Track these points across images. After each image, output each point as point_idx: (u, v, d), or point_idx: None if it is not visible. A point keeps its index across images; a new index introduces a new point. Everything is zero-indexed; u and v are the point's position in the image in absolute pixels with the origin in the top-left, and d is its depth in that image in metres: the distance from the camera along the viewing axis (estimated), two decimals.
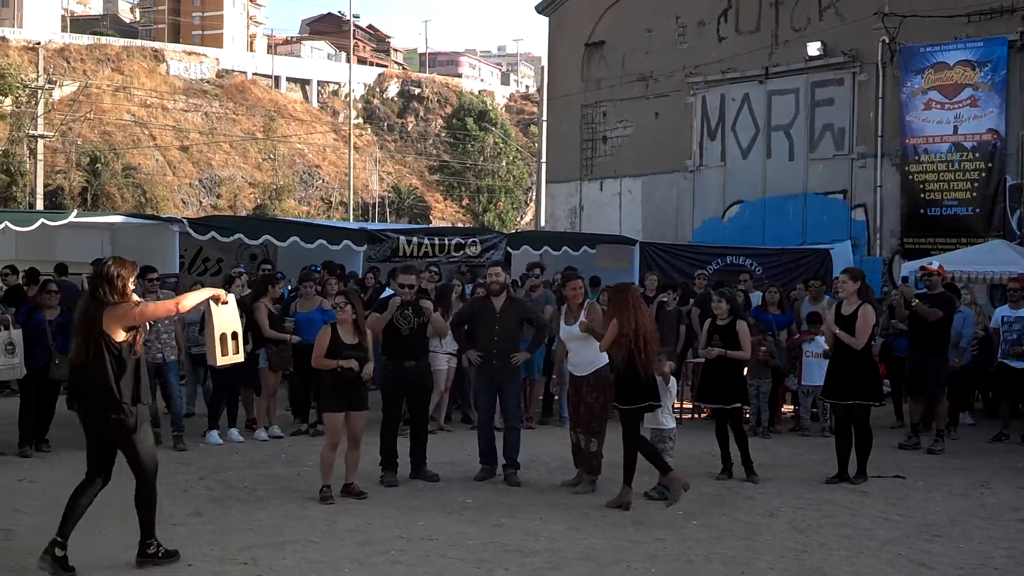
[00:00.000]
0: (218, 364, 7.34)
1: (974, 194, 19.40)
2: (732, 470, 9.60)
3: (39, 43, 43.08)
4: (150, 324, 10.56)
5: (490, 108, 60.93)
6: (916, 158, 20.11)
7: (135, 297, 6.55)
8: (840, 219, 21.37)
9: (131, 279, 6.48)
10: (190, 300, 6.80)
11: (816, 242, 20.55)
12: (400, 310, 9.14)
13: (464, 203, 57.91)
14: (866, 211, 21.18)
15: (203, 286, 13.04)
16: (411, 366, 9.20)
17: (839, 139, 21.53)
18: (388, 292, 9.96)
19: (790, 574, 6.51)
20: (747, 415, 10.96)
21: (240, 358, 7.36)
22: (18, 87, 43.55)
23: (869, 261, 20.42)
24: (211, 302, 6.92)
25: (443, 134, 62.67)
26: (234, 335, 7.12)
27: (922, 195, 20.05)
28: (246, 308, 11.30)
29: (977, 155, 19.38)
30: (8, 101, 44.10)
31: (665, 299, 13.23)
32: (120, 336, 6.36)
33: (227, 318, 7.09)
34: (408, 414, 9.59)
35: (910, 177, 20.20)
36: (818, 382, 12.30)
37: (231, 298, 7.15)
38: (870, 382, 9.50)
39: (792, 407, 13.37)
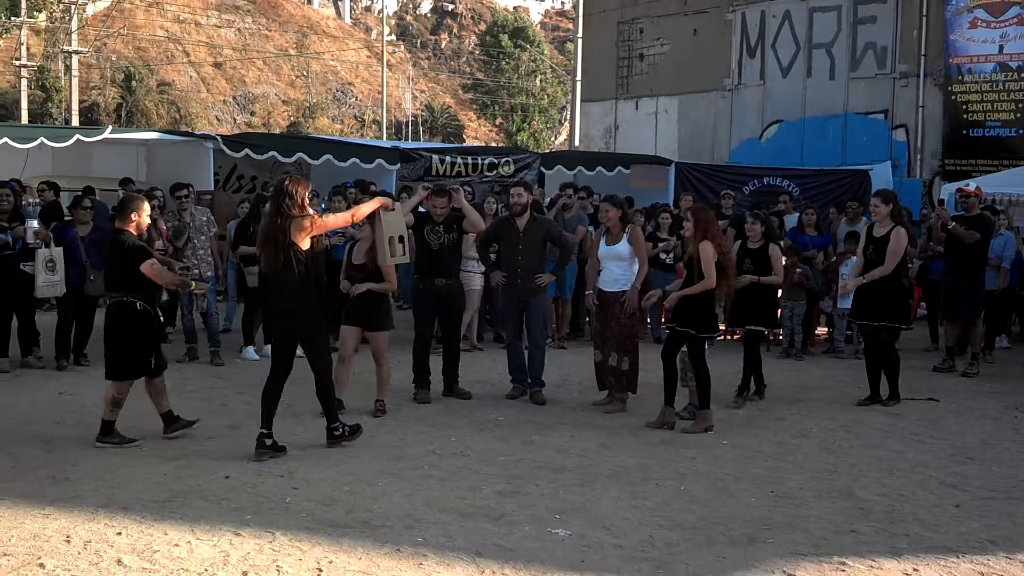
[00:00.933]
0: (387, 263, 8.11)
1: (1018, 115, 19.00)
2: (764, 391, 9.59)
3: None
4: (188, 240, 10.71)
5: (526, 24, 59.99)
6: (960, 78, 19.69)
7: (310, 210, 7.16)
8: (880, 140, 21.03)
9: (307, 195, 7.11)
10: (364, 210, 7.71)
11: (856, 163, 20.26)
12: (431, 226, 9.16)
13: (498, 122, 57.41)
14: (907, 132, 20.83)
15: (242, 203, 13.13)
16: (441, 284, 9.22)
17: (881, 58, 21.09)
18: (422, 211, 9.92)
19: (819, 494, 6.52)
20: (777, 337, 10.84)
21: (406, 259, 8.20)
22: (52, 2, 43.39)
23: (909, 183, 20.15)
24: (380, 209, 7.76)
25: (477, 51, 61.92)
26: (400, 238, 7.95)
27: (965, 116, 19.67)
28: None
29: (1022, 75, 18.92)
30: (43, 16, 43.95)
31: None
32: (305, 245, 7.00)
33: (394, 223, 7.91)
34: (440, 332, 9.65)
35: (953, 97, 19.81)
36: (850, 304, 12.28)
37: (398, 205, 8.07)
38: (898, 305, 9.39)
39: (827, 329, 13.31)
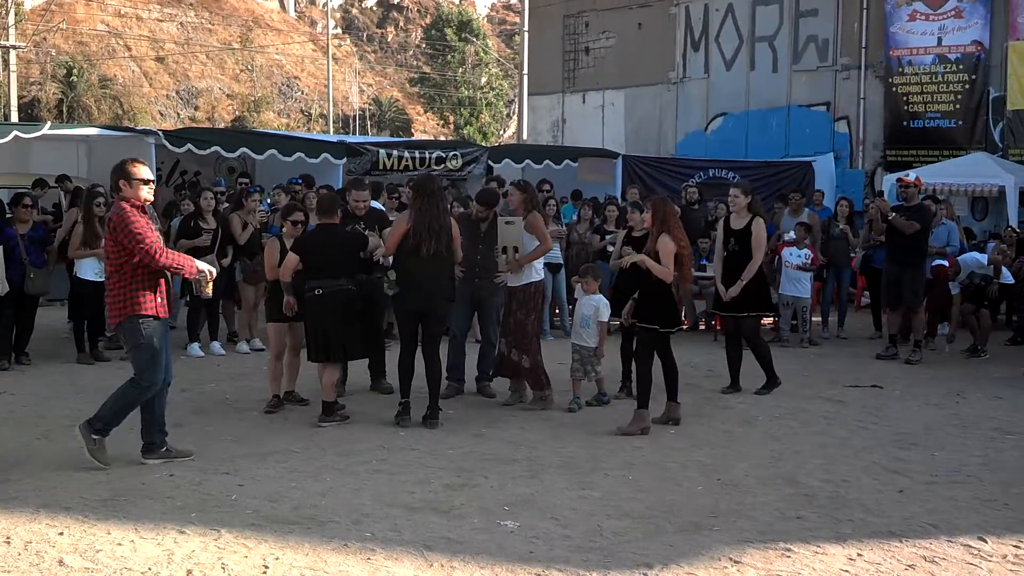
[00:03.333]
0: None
1: (957, 106, 19.34)
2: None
3: None
4: None
5: (472, 18, 59.87)
6: (900, 70, 19.99)
7: None
8: (823, 132, 21.31)
9: None
10: None
11: (799, 155, 20.53)
12: (352, 224, 8.98)
13: (445, 116, 57.28)
14: (849, 123, 21.12)
15: (182, 200, 12.97)
16: (363, 280, 8.96)
17: (823, 50, 21.35)
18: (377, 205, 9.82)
19: (765, 481, 6.59)
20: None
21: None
22: None
23: (851, 173, 20.46)
24: (501, 219, 8.90)
25: (423, 45, 61.71)
26: (515, 249, 8.70)
27: (905, 107, 19.98)
28: (224, 222, 11.23)
29: (961, 67, 19.28)
30: None
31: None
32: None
33: (511, 234, 8.72)
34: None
35: (894, 89, 20.11)
36: (795, 293, 12.43)
37: (518, 220, 8.82)
38: (759, 294, 9.43)
39: (772, 318, 13.44)
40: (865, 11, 20.54)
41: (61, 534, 5.36)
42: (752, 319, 9.46)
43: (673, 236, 7.99)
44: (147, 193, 6.76)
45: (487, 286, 9.20)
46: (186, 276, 6.90)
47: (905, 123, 20.03)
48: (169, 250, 6.85)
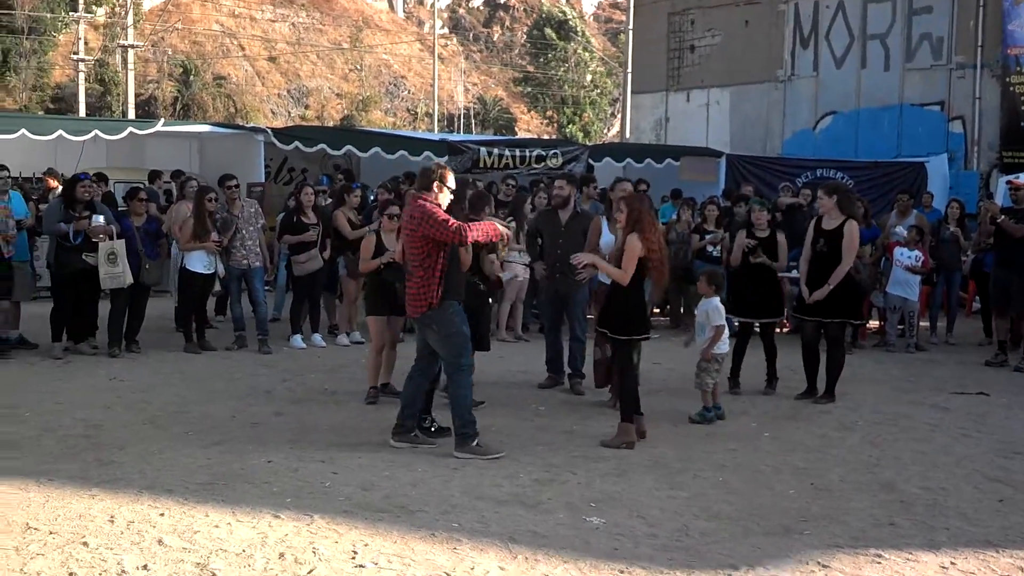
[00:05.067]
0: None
1: None
2: (776, 385, 9.48)
3: None
4: (236, 231, 10.88)
5: (570, 17, 59.77)
6: (1018, 69, 19.34)
7: None
8: (937, 131, 20.74)
9: None
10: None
11: (911, 155, 20.01)
12: None
13: (548, 115, 57.34)
14: (964, 123, 20.52)
15: (292, 196, 13.28)
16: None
17: (937, 48, 20.78)
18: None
19: (860, 487, 6.46)
20: (783, 329, 10.48)
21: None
22: None
23: (966, 175, 19.87)
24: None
25: (527, 44, 61.86)
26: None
27: (1023, 107, 19.28)
28: (326, 217, 11.47)
29: None
30: (101, 11, 44.69)
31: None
32: None
33: None
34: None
35: (1011, 88, 19.46)
36: (903, 294, 12.12)
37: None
38: (848, 300, 9.08)
39: (879, 322, 13.17)
40: (981, 8, 19.92)
41: (162, 515, 5.56)
42: (836, 325, 9.11)
43: (643, 237, 7.27)
44: (445, 201, 7.04)
45: (570, 280, 9.20)
46: (493, 239, 7.16)
47: (1022, 124, 19.35)
48: (471, 224, 7.00)
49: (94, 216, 10.25)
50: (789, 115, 23.13)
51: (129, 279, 10.42)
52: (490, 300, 8.87)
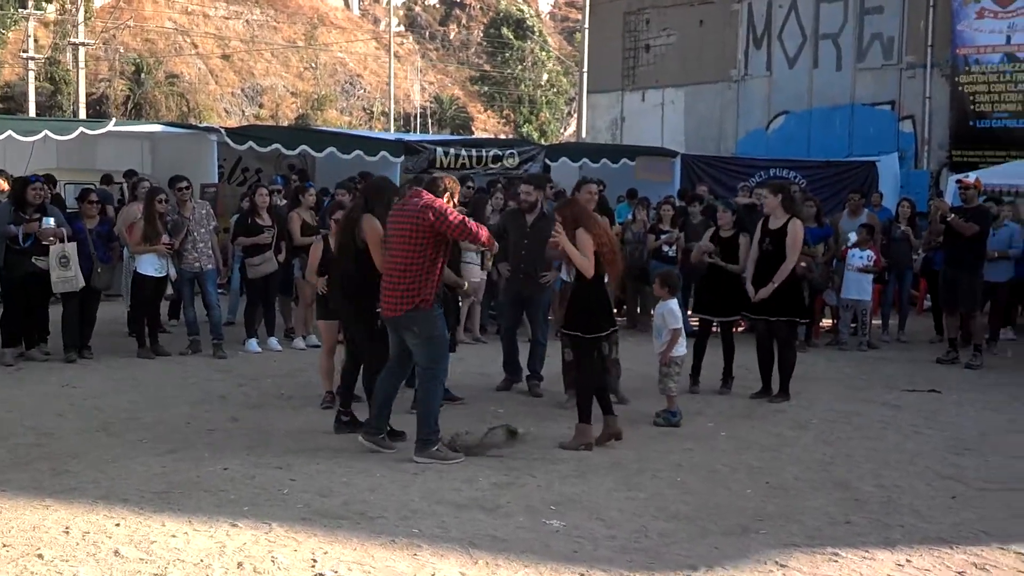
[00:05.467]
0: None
1: None
2: (732, 384, 9.59)
3: None
4: (188, 233, 10.77)
5: (527, 16, 59.87)
6: (967, 68, 19.65)
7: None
8: (887, 131, 21.01)
9: None
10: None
11: (863, 154, 20.25)
12: None
13: (505, 114, 57.38)
14: (914, 123, 20.81)
15: (246, 196, 13.17)
16: None
17: (888, 48, 21.06)
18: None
19: (815, 485, 6.54)
20: (739, 328, 10.61)
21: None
22: None
23: (916, 174, 20.14)
24: None
25: (484, 43, 61.85)
26: None
27: (972, 107, 19.64)
28: (281, 219, 11.38)
29: None
30: (51, 8, 44.05)
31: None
32: None
33: None
34: None
35: (960, 88, 19.77)
36: (857, 296, 12.28)
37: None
38: (794, 299, 9.18)
39: (831, 321, 13.32)
40: (932, 8, 20.22)
41: (118, 525, 5.49)
42: (784, 323, 9.18)
43: (591, 232, 7.30)
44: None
45: (533, 283, 9.26)
46: (486, 244, 7.23)
47: (972, 123, 19.68)
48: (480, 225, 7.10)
49: (44, 219, 10.11)
50: (743, 115, 23.33)
51: (81, 282, 10.29)
52: (458, 302, 8.84)
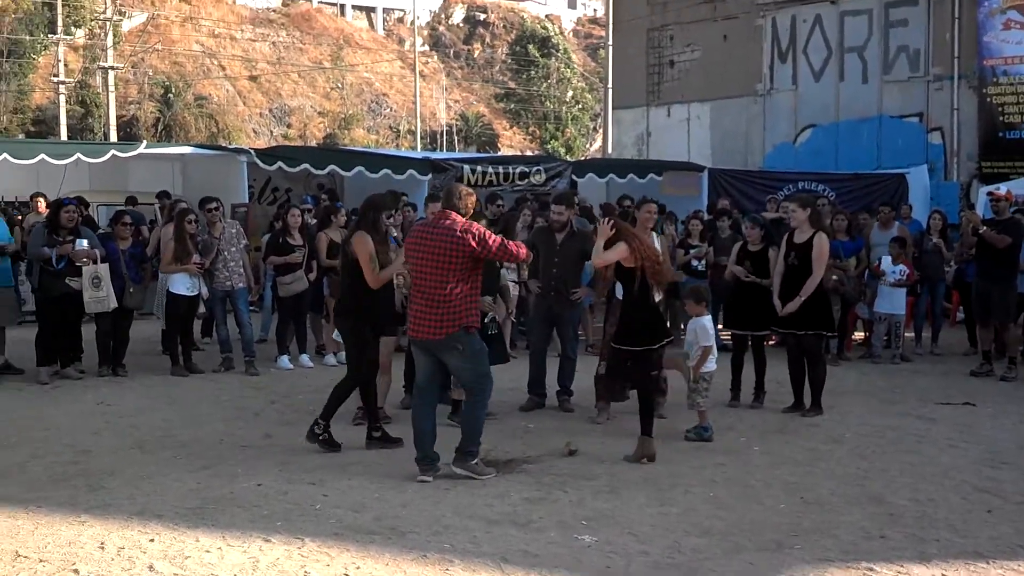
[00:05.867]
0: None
1: None
2: (764, 398, 9.54)
3: None
4: (218, 252, 10.87)
5: (552, 34, 60.02)
6: (994, 80, 19.52)
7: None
8: (916, 143, 20.88)
9: None
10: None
11: (892, 167, 20.13)
12: None
13: (531, 131, 57.52)
14: (943, 135, 20.68)
15: (278, 216, 13.27)
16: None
17: (914, 61, 20.96)
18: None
19: (850, 500, 6.49)
20: (770, 341, 10.66)
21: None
22: (92, 19, 44.11)
23: (946, 186, 20.01)
24: None
25: (508, 60, 62.07)
26: None
27: (1001, 118, 19.51)
28: (312, 238, 11.46)
29: None
30: (80, 33, 44.63)
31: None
32: None
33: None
34: None
35: (988, 99, 19.64)
36: (890, 309, 12.20)
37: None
38: (822, 312, 9.10)
39: (863, 334, 13.24)
40: (957, 20, 20.10)
41: (152, 540, 5.53)
42: (813, 337, 9.14)
43: (631, 247, 7.40)
44: None
45: (563, 300, 9.26)
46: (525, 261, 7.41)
47: (1001, 134, 19.54)
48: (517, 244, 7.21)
49: (78, 240, 10.27)
50: (769, 128, 23.27)
51: (113, 303, 10.44)
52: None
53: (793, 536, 5.76)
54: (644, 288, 7.50)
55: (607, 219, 7.69)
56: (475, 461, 6.88)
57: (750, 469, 7.25)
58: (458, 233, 6.75)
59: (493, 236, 6.89)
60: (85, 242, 10.29)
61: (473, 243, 6.73)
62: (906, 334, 12.76)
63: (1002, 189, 11.59)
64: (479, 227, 6.90)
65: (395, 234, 8.09)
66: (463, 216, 6.90)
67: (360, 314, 7.64)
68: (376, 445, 7.67)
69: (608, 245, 7.43)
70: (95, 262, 10.31)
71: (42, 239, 10.31)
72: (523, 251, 7.12)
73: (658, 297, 7.72)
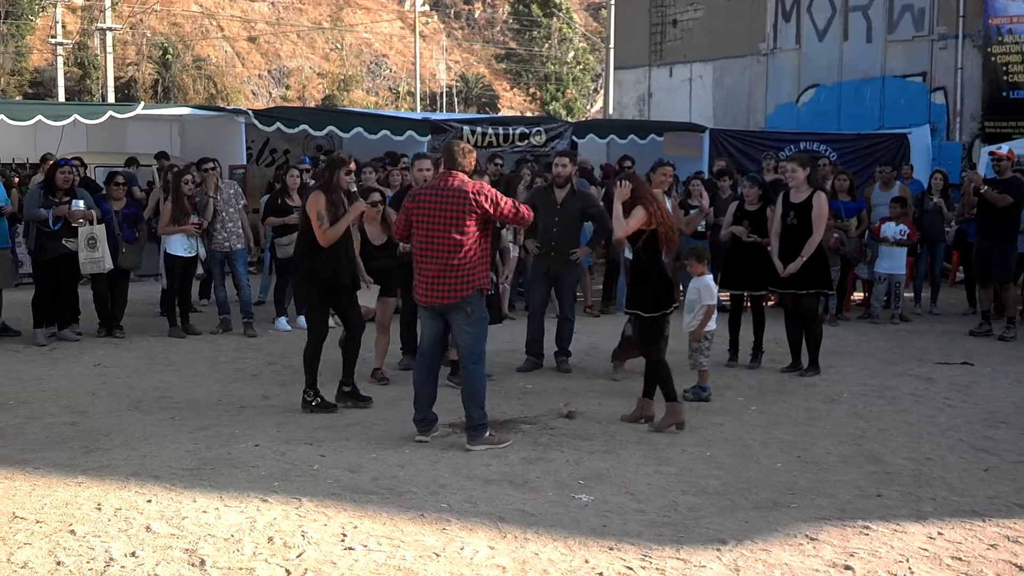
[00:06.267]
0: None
1: None
2: (761, 359, 9.53)
3: None
4: (216, 212, 10.83)
5: None
6: (999, 39, 19.35)
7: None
8: (919, 103, 20.74)
9: None
10: None
11: (894, 127, 19.99)
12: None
13: (531, 92, 57.16)
14: (946, 94, 20.52)
15: (277, 177, 13.22)
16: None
17: (919, 19, 20.75)
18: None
19: (846, 459, 6.49)
20: (769, 302, 10.58)
21: None
22: None
23: (948, 146, 19.88)
24: None
25: (510, 20, 61.57)
26: None
27: (1005, 77, 19.36)
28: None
29: None
30: None
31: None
32: None
33: None
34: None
35: (992, 59, 19.48)
36: (890, 270, 12.16)
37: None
38: (820, 271, 9.05)
39: (862, 295, 13.21)
40: None
41: (149, 501, 5.54)
42: (811, 296, 9.12)
43: (646, 209, 7.21)
44: None
45: (562, 260, 9.21)
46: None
47: (1004, 93, 19.40)
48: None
49: (74, 201, 10.22)
50: (772, 88, 23.09)
51: (109, 264, 10.42)
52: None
53: (790, 495, 5.77)
54: (653, 252, 7.32)
55: (621, 179, 7.52)
56: (488, 432, 6.72)
57: (747, 429, 7.25)
58: (470, 195, 6.61)
59: (505, 199, 6.80)
60: (81, 203, 10.24)
61: (486, 205, 6.62)
62: (905, 294, 12.73)
63: (1004, 149, 11.50)
64: (491, 188, 6.81)
65: (354, 189, 7.85)
66: (467, 175, 6.79)
67: (310, 275, 7.63)
68: (346, 402, 7.74)
69: (626, 210, 7.27)
70: (91, 223, 10.27)
71: (38, 200, 10.26)
72: (531, 214, 7.05)
73: (666, 260, 7.61)
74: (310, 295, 7.82)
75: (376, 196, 8.81)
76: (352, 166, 7.80)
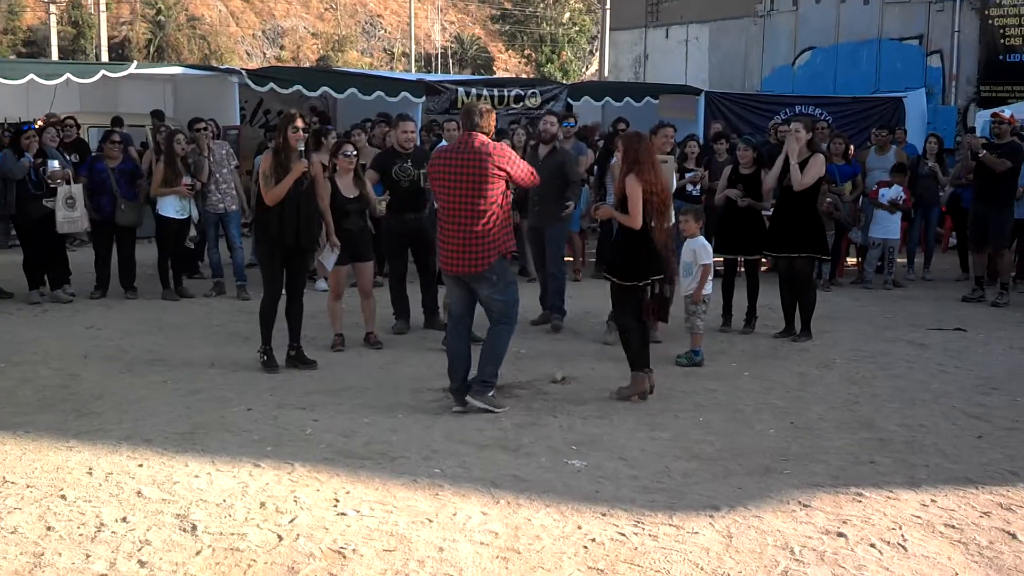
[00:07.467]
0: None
1: None
2: (755, 324, 9.51)
3: None
4: (210, 174, 10.76)
5: None
6: (997, 2, 19.20)
7: None
8: (915, 66, 20.60)
9: None
10: None
11: (889, 90, 19.87)
12: (400, 162, 9.07)
13: (527, 53, 56.75)
14: (942, 58, 20.39)
15: (269, 140, 13.12)
16: (411, 219, 9.13)
17: None
18: (443, 144, 9.93)
19: (839, 425, 6.49)
20: (764, 267, 10.49)
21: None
22: None
23: (943, 110, 19.80)
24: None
25: None
26: None
27: (1002, 40, 19.23)
28: None
29: None
30: None
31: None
32: None
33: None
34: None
35: (990, 22, 19.34)
36: (885, 234, 12.12)
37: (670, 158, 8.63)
38: (815, 235, 8.99)
39: (856, 260, 13.18)
40: None
41: (141, 466, 5.53)
42: (806, 261, 9.08)
43: (642, 178, 6.93)
44: None
45: (545, 213, 9.36)
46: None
47: (1001, 57, 19.28)
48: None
49: (49, 162, 10.24)
50: (768, 51, 22.93)
51: (86, 224, 10.48)
52: None
53: (782, 461, 5.77)
54: (644, 223, 7.05)
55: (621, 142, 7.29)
56: (491, 393, 6.70)
57: (740, 394, 7.25)
58: (493, 155, 6.49)
59: (519, 158, 6.77)
60: (56, 163, 10.25)
61: (507, 166, 6.53)
62: (898, 260, 12.71)
63: (1006, 112, 11.43)
64: (509, 149, 6.73)
65: (301, 148, 7.75)
66: (487, 136, 6.64)
67: (259, 232, 7.83)
68: (291, 364, 7.81)
69: (626, 168, 7.04)
70: (68, 182, 10.26)
71: (12, 163, 10.22)
72: (536, 177, 7.00)
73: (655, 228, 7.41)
74: (261, 252, 7.96)
75: (349, 148, 8.70)
76: (300, 123, 7.66)
